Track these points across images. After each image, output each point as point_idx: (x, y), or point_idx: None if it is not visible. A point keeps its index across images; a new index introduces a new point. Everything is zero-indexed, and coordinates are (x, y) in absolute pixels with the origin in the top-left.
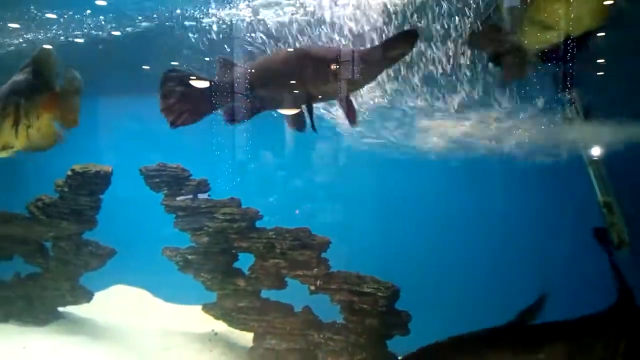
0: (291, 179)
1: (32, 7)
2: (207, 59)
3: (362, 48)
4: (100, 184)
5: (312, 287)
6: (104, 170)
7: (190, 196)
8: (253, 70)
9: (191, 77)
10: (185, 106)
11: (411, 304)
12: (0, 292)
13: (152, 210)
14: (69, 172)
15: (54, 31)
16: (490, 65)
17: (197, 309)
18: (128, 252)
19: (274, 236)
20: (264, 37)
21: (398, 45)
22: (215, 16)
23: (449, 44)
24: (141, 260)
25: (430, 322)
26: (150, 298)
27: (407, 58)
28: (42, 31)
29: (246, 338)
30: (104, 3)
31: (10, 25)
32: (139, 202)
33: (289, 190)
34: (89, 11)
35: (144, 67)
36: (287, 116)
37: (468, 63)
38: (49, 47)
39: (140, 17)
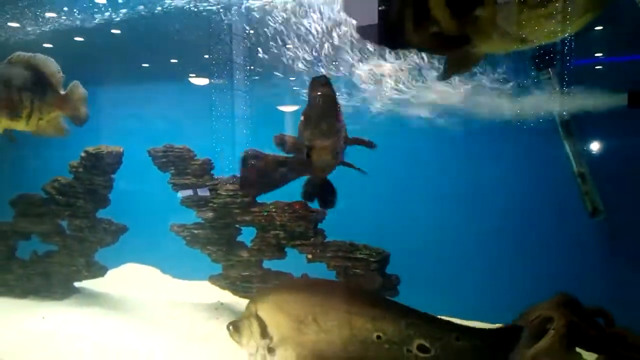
0: None
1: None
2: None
3: None
4: (112, 164)
5: (310, 256)
6: (115, 150)
7: (191, 192)
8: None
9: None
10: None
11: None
12: (20, 270)
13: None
14: (83, 154)
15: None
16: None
17: (205, 284)
18: (140, 232)
19: (274, 210)
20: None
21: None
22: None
23: None
24: (152, 239)
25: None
26: (161, 275)
27: None
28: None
29: None
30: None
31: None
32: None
33: None
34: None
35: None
36: None
37: None
38: (45, 57)
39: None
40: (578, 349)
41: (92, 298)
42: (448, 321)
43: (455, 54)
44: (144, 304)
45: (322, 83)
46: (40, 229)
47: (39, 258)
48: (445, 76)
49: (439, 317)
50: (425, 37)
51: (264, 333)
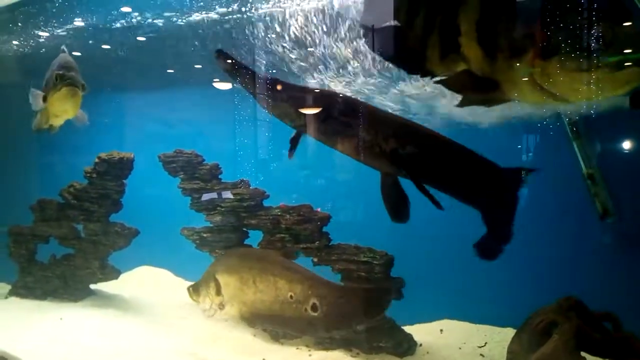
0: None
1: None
2: None
3: None
4: (124, 169)
5: (315, 259)
6: (126, 156)
7: (215, 195)
8: None
9: None
10: None
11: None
12: (40, 272)
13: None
14: (96, 160)
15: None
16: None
17: None
18: (152, 236)
19: (279, 213)
20: None
21: None
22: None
23: None
24: (164, 243)
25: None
26: (172, 277)
27: None
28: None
29: None
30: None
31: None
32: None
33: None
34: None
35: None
36: None
37: None
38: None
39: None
40: (583, 354)
41: (107, 300)
42: (332, 282)
43: (480, 96)
44: (155, 305)
45: None
46: (59, 232)
47: (57, 261)
48: (462, 105)
49: (326, 279)
50: (450, 72)
51: (219, 291)
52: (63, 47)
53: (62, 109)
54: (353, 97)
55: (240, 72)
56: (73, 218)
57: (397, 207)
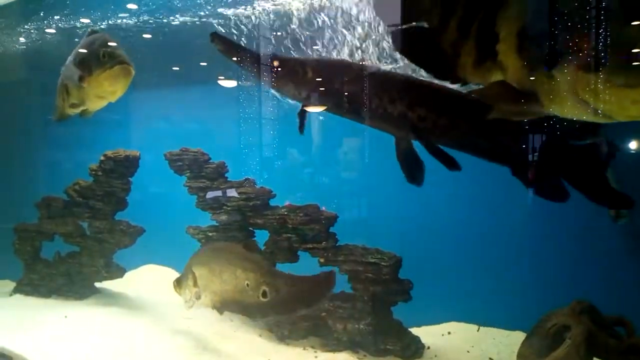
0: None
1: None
2: None
3: None
4: (130, 167)
5: (322, 260)
6: (132, 154)
7: (219, 193)
8: None
9: None
10: None
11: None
12: (45, 270)
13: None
14: (102, 157)
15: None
16: None
17: None
18: (158, 234)
19: (285, 213)
20: None
21: None
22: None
23: None
24: (169, 242)
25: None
26: (177, 275)
27: None
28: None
29: None
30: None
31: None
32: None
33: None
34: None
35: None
36: None
37: None
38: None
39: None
40: None
41: (112, 298)
42: (281, 272)
43: (515, 109)
44: (160, 303)
45: None
46: (64, 230)
47: (62, 259)
48: (495, 116)
49: (277, 269)
50: (484, 80)
51: (195, 283)
52: (90, 29)
53: (111, 90)
54: (356, 61)
55: (237, 52)
56: (78, 216)
57: (413, 171)
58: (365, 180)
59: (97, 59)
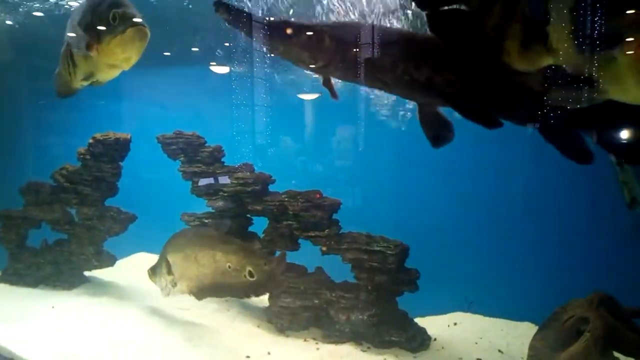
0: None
1: None
2: None
3: None
4: (120, 151)
5: (324, 248)
6: (122, 137)
7: (212, 180)
8: None
9: None
10: None
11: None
12: (31, 259)
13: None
14: (91, 140)
15: None
16: None
17: None
18: (149, 221)
19: (286, 199)
20: None
21: None
22: None
23: None
24: (162, 229)
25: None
26: None
27: None
28: None
29: (261, 298)
30: None
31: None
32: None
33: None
34: None
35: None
36: None
37: None
38: None
39: None
40: (615, 354)
41: (102, 287)
42: (261, 251)
43: (571, 96)
44: (153, 293)
45: None
46: (51, 217)
47: (49, 247)
48: (549, 105)
49: (256, 248)
50: (532, 66)
51: (169, 271)
52: None
53: (124, 57)
54: (371, 24)
55: (245, 20)
56: (66, 202)
57: (439, 135)
58: (371, 168)
59: (107, 23)
